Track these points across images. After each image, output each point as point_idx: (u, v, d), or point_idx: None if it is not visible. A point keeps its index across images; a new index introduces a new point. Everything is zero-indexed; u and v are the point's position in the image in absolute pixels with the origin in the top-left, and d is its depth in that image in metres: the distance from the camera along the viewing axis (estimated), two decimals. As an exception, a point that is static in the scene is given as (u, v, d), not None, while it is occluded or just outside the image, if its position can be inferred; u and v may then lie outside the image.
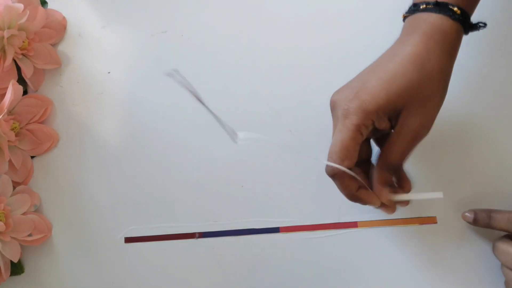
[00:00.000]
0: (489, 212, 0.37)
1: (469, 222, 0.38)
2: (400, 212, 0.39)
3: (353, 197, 0.35)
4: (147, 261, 0.41)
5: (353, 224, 0.39)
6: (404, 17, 0.36)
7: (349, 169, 0.33)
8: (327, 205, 0.40)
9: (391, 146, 0.34)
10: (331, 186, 0.39)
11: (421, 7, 0.34)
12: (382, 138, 0.37)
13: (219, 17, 0.44)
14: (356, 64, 0.42)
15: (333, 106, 0.35)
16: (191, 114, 0.42)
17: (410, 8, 0.35)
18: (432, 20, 0.33)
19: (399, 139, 0.34)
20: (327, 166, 0.34)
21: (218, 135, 0.42)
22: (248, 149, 0.41)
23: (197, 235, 0.41)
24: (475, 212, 0.37)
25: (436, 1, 0.33)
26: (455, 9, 0.33)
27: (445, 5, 0.33)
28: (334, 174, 0.34)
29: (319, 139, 0.41)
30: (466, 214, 0.38)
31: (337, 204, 0.40)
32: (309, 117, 0.41)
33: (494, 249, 0.36)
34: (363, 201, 0.34)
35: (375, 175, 0.35)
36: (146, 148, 0.42)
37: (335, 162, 0.33)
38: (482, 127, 0.39)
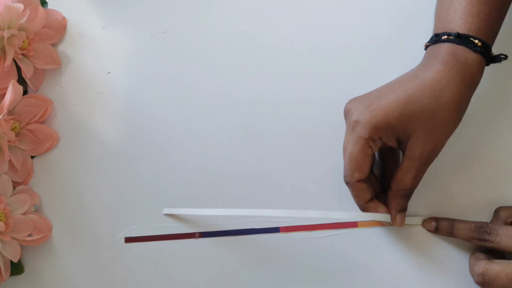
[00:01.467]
0: (452, 221, 0.37)
1: (429, 230, 0.38)
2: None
3: (362, 207, 0.37)
4: (147, 261, 0.41)
5: (353, 224, 0.39)
6: (426, 46, 0.36)
7: (362, 180, 0.35)
8: (327, 205, 0.40)
9: (404, 173, 0.35)
10: (331, 186, 0.39)
11: (442, 38, 0.34)
12: (385, 150, 0.38)
13: (219, 17, 0.44)
14: (357, 64, 0.42)
15: (346, 114, 0.36)
16: (191, 114, 0.42)
17: (431, 38, 0.35)
18: (453, 50, 0.33)
19: (412, 165, 0.34)
20: (345, 174, 0.36)
21: (218, 135, 0.42)
22: (248, 149, 0.41)
23: (197, 235, 0.41)
24: (437, 220, 0.37)
25: (458, 33, 0.33)
26: (476, 41, 0.32)
27: (466, 37, 0.33)
28: (347, 183, 0.36)
29: (319, 139, 0.41)
30: (431, 223, 0.38)
31: (337, 204, 0.40)
32: (309, 117, 0.41)
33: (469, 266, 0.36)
34: (371, 214, 0.36)
35: (392, 203, 0.36)
36: (146, 148, 0.42)
37: (346, 173, 0.35)
38: (475, 127, 0.39)
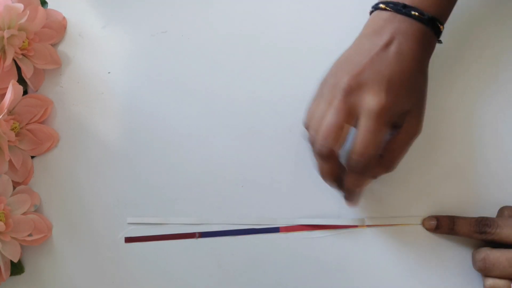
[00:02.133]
0: (453, 218, 0.37)
1: (429, 229, 0.38)
2: (400, 212, 0.39)
3: (335, 178, 0.36)
4: (147, 261, 0.41)
5: (353, 224, 0.39)
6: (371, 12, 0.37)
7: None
8: (327, 205, 0.40)
9: (394, 150, 0.34)
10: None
11: (380, 6, 0.35)
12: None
13: (219, 17, 0.44)
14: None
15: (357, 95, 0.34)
16: (191, 114, 0.42)
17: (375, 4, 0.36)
18: (390, 17, 0.34)
19: (402, 142, 0.34)
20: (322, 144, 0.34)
21: (217, 135, 0.42)
22: (248, 149, 0.41)
23: (197, 235, 0.41)
24: (437, 218, 0.37)
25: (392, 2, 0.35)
26: (414, 13, 0.34)
27: (396, 3, 0.34)
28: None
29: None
30: (430, 222, 0.38)
31: (337, 204, 0.40)
32: (309, 117, 0.41)
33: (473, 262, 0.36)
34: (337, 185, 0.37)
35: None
36: (146, 148, 0.42)
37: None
38: (477, 127, 0.39)
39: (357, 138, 0.32)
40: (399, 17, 0.34)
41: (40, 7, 0.42)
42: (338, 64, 0.36)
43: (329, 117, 0.33)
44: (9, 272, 0.40)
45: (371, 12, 0.37)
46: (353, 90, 0.33)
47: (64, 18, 0.45)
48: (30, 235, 0.40)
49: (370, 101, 0.32)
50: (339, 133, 0.33)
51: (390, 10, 0.35)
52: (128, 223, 0.41)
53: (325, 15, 0.43)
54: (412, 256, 0.38)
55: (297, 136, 0.41)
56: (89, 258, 0.41)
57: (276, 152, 0.41)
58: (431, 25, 0.34)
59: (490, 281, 0.34)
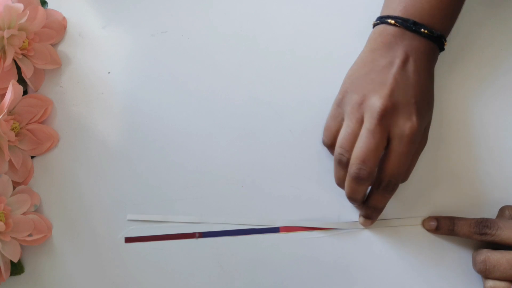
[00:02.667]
0: (453, 219, 0.37)
1: (429, 230, 0.38)
2: (400, 213, 0.39)
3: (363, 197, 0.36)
4: (147, 261, 0.41)
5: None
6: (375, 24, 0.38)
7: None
8: (328, 206, 0.40)
9: (411, 163, 0.36)
10: (332, 186, 0.39)
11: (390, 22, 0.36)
12: None
13: (219, 17, 0.44)
14: (356, 64, 0.42)
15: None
16: (191, 114, 0.42)
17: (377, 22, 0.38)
18: (395, 32, 0.36)
19: (417, 154, 0.37)
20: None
21: (218, 135, 0.42)
22: (248, 149, 0.41)
23: (197, 235, 0.41)
24: (437, 219, 0.37)
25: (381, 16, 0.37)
26: (390, 20, 0.36)
27: (384, 17, 0.36)
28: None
29: (319, 139, 0.41)
30: (430, 223, 0.38)
31: (337, 204, 0.40)
32: (309, 117, 0.41)
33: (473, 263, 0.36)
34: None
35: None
36: (146, 148, 0.42)
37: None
38: (477, 128, 0.39)
39: (389, 160, 0.33)
40: (408, 33, 0.35)
41: (40, 7, 0.42)
42: (356, 80, 0.36)
43: (368, 140, 0.33)
44: (9, 272, 0.40)
45: (374, 25, 0.37)
46: (387, 113, 0.33)
47: (64, 18, 0.45)
48: (30, 235, 0.40)
49: (403, 125, 0.33)
50: (378, 156, 0.33)
51: (399, 26, 0.35)
52: (128, 220, 0.41)
53: (325, 16, 0.43)
54: (412, 257, 0.38)
55: (297, 136, 0.41)
56: (89, 258, 0.41)
57: (276, 152, 0.41)
58: (437, 42, 0.36)
59: (490, 283, 0.34)
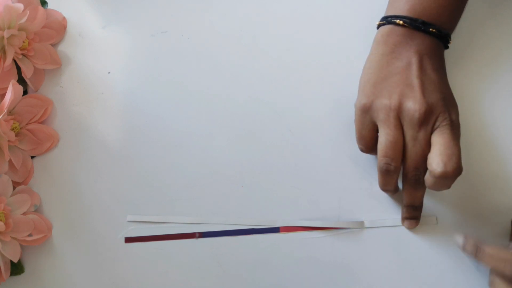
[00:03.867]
0: (479, 244, 0.35)
1: (459, 247, 0.37)
2: (400, 212, 0.39)
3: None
4: (147, 261, 0.41)
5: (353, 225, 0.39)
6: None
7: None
8: (328, 206, 0.40)
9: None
10: (332, 186, 0.39)
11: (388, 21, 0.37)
12: None
13: (219, 17, 0.44)
14: (357, 64, 0.42)
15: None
16: (191, 114, 0.42)
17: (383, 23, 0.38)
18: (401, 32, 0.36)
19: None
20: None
21: (217, 135, 0.42)
22: (248, 149, 0.41)
23: (197, 235, 0.41)
24: (466, 238, 0.36)
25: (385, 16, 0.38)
26: (398, 20, 0.36)
27: (390, 17, 0.36)
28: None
29: (319, 139, 0.41)
30: (458, 240, 0.36)
31: (337, 205, 0.40)
32: (309, 117, 0.41)
33: (490, 284, 0.35)
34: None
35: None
36: (146, 148, 0.42)
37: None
38: (484, 127, 0.39)
39: (441, 158, 0.33)
40: (417, 33, 0.35)
41: (40, 7, 0.43)
42: (379, 84, 0.36)
43: (416, 149, 0.34)
44: (9, 272, 0.40)
45: (380, 25, 0.37)
46: (426, 117, 0.33)
47: (64, 18, 0.45)
48: (30, 235, 0.40)
49: (444, 125, 0.33)
50: (426, 160, 0.34)
51: (407, 27, 0.35)
52: (128, 221, 0.41)
53: (326, 16, 0.43)
54: (412, 257, 0.38)
55: (297, 136, 0.41)
56: (89, 258, 0.41)
57: (276, 152, 0.41)
58: (443, 40, 0.36)
59: None
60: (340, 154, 0.40)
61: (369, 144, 0.36)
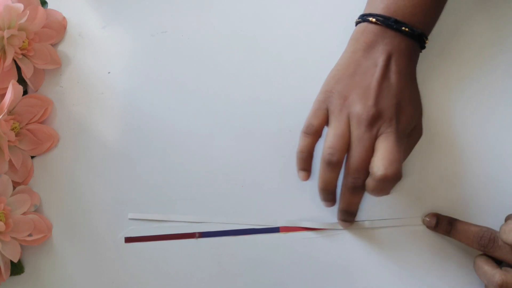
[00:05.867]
0: (453, 221, 0.37)
1: (428, 227, 0.38)
2: (400, 213, 0.39)
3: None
4: (147, 261, 0.41)
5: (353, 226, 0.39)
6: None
7: None
8: (327, 205, 0.40)
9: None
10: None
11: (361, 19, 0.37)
12: None
13: (219, 17, 0.44)
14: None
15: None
16: (191, 114, 0.42)
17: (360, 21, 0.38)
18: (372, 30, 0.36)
19: (409, 148, 0.37)
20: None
21: (218, 135, 0.42)
22: (248, 149, 0.41)
23: (197, 235, 0.41)
24: (438, 217, 0.37)
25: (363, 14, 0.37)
26: (372, 18, 0.36)
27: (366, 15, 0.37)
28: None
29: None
30: (427, 219, 0.38)
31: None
32: (309, 117, 0.41)
33: (474, 265, 0.36)
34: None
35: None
36: (146, 148, 0.42)
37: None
38: (475, 128, 0.39)
39: (383, 162, 0.33)
40: (389, 32, 0.35)
41: (40, 7, 0.42)
42: (341, 81, 0.36)
43: (360, 149, 0.34)
44: (9, 272, 0.40)
45: (357, 23, 0.37)
46: (373, 121, 0.34)
47: (64, 18, 0.45)
48: (30, 235, 0.40)
49: (388, 130, 0.34)
50: (368, 163, 0.34)
51: (380, 25, 0.35)
52: (129, 219, 0.41)
53: (325, 16, 0.43)
54: (412, 256, 0.38)
55: (297, 136, 0.41)
56: (89, 258, 0.41)
57: (276, 152, 0.41)
58: (418, 40, 0.36)
59: None
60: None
61: (312, 132, 0.37)
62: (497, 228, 0.35)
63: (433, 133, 0.39)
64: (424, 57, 0.38)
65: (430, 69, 0.40)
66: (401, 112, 0.35)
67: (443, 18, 0.38)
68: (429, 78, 0.40)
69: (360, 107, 0.34)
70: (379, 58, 0.35)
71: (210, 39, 0.44)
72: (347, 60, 0.37)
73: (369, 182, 0.34)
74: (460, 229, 0.36)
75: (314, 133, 0.37)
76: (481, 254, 0.36)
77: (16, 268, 0.41)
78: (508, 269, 0.34)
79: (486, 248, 0.35)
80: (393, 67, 0.35)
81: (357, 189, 0.35)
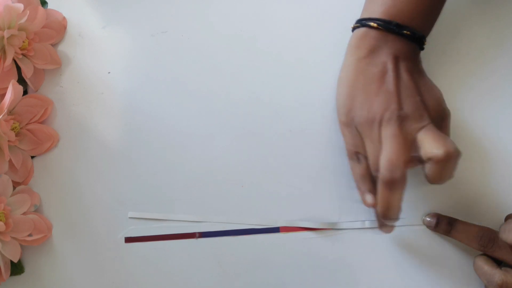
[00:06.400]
0: (453, 221, 0.37)
1: (428, 227, 0.38)
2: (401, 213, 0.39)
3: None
4: (147, 261, 0.41)
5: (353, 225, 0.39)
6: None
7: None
8: (327, 205, 0.40)
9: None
10: (332, 186, 0.39)
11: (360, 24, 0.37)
12: None
13: (219, 17, 0.44)
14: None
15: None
16: (191, 114, 0.42)
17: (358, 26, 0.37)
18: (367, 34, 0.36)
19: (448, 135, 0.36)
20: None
21: (218, 135, 0.42)
22: (248, 149, 0.41)
23: (197, 235, 0.41)
24: (438, 217, 0.37)
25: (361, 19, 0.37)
26: (372, 23, 0.36)
27: (365, 19, 0.36)
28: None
29: (319, 139, 0.41)
30: (428, 218, 0.38)
31: (337, 204, 0.40)
32: (309, 117, 0.41)
33: (474, 265, 0.36)
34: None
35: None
36: (146, 148, 0.42)
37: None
38: (477, 128, 0.39)
39: (437, 143, 0.32)
40: (391, 36, 0.35)
41: (40, 7, 0.42)
42: (357, 96, 0.36)
43: (393, 145, 0.33)
44: (9, 272, 0.40)
45: (354, 28, 0.37)
46: (404, 121, 0.33)
47: (64, 18, 0.45)
48: (30, 235, 0.40)
49: (424, 123, 0.33)
50: (408, 157, 0.33)
51: (381, 29, 0.35)
52: (129, 218, 0.41)
53: (326, 16, 0.43)
54: (412, 257, 0.38)
55: (297, 136, 0.41)
56: (89, 258, 0.41)
57: (276, 152, 0.41)
58: (418, 42, 0.36)
59: None
60: (341, 154, 0.40)
61: (356, 158, 0.37)
62: (497, 228, 0.35)
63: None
64: (424, 57, 0.38)
65: (430, 70, 0.40)
66: (428, 106, 0.34)
67: (441, 20, 0.38)
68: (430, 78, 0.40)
69: (387, 114, 0.34)
70: (387, 63, 0.35)
71: (210, 39, 0.44)
72: (353, 71, 0.36)
73: (433, 169, 0.32)
74: (460, 229, 0.36)
75: (358, 157, 0.37)
76: (481, 254, 0.36)
77: (16, 268, 0.41)
78: (508, 269, 0.34)
79: (486, 248, 0.35)
80: (402, 68, 0.35)
81: (394, 183, 0.33)
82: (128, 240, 0.41)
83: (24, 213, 0.40)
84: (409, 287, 0.38)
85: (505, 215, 0.37)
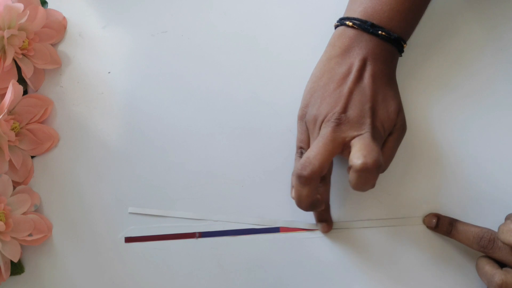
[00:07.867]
0: (453, 222, 0.37)
1: (429, 227, 0.38)
2: (400, 213, 0.39)
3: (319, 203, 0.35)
4: (147, 261, 0.41)
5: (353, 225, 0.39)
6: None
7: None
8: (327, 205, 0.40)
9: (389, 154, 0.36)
10: (332, 186, 0.39)
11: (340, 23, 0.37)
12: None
13: (219, 17, 0.44)
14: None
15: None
16: (191, 114, 0.42)
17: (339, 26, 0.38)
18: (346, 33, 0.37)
19: (394, 150, 0.37)
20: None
21: (218, 135, 0.42)
22: (248, 149, 0.41)
23: (197, 235, 0.41)
24: (438, 217, 0.37)
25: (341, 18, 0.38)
26: (348, 22, 0.36)
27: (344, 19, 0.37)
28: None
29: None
30: (427, 218, 0.38)
31: (336, 204, 0.40)
32: (309, 117, 0.41)
33: (476, 266, 0.36)
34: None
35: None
36: (146, 148, 0.42)
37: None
38: (475, 128, 0.39)
39: (361, 152, 0.32)
40: (366, 36, 0.35)
41: (40, 7, 0.42)
42: (316, 93, 0.36)
43: (317, 143, 0.33)
44: (9, 272, 0.40)
45: (336, 26, 0.37)
46: (341, 125, 0.34)
47: (64, 18, 0.45)
48: (30, 235, 0.40)
49: (362, 132, 0.33)
50: (328, 159, 0.33)
51: (357, 28, 0.35)
52: (130, 213, 0.41)
53: (325, 15, 0.43)
54: (412, 257, 0.38)
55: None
56: (89, 258, 0.41)
57: (276, 152, 0.41)
58: (396, 44, 0.36)
59: None
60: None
61: (307, 147, 0.37)
62: (496, 229, 0.35)
63: (433, 133, 0.39)
64: (424, 57, 0.38)
65: (428, 70, 0.40)
66: (375, 115, 0.34)
67: (423, 23, 0.38)
68: (428, 78, 0.40)
69: (329, 115, 0.34)
70: (354, 64, 0.35)
71: (210, 39, 0.44)
72: (321, 69, 0.37)
73: (351, 176, 0.32)
74: (460, 229, 0.36)
75: (300, 152, 0.37)
76: (483, 256, 0.36)
77: (16, 268, 0.41)
78: (509, 269, 0.34)
79: (486, 249, 0.35)
80: (367, 71, 0.35)
81: (302, 179, 0.33)
82: (128, 240, 0.41)
83: (24, 213, 0.40)
84: (409, 286, 0.38)
85: (505, 215, 0.37)
